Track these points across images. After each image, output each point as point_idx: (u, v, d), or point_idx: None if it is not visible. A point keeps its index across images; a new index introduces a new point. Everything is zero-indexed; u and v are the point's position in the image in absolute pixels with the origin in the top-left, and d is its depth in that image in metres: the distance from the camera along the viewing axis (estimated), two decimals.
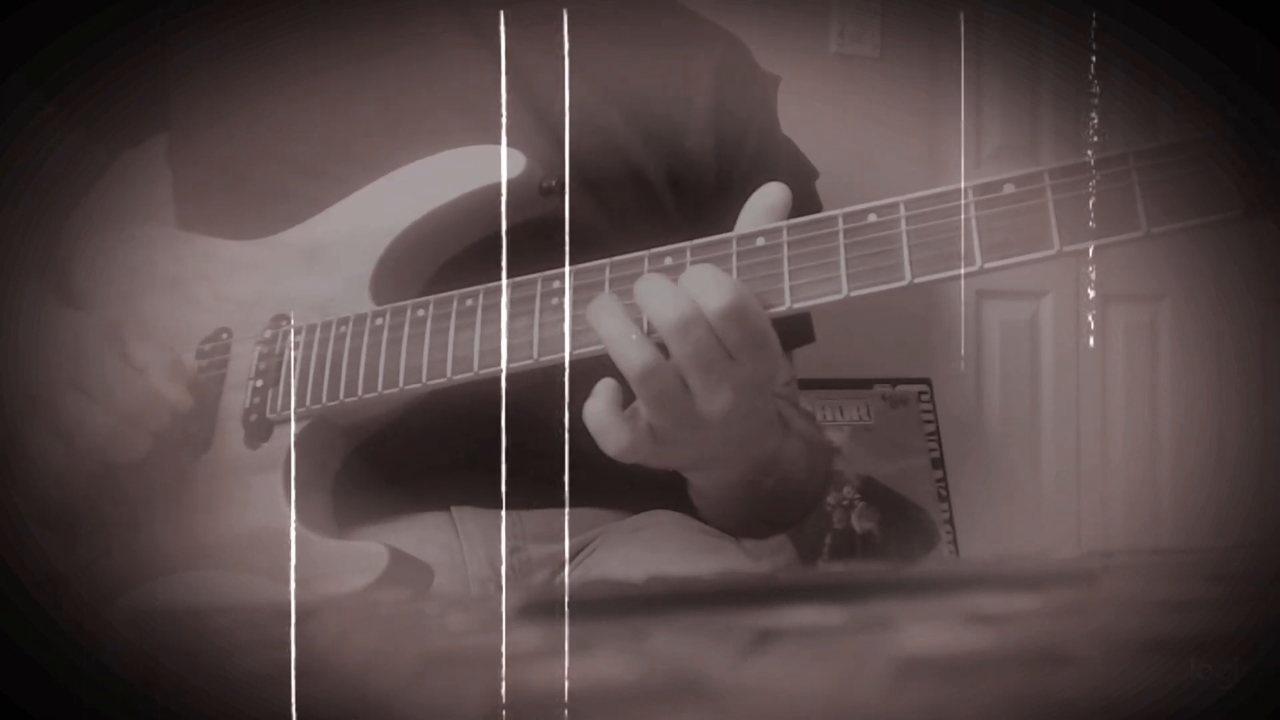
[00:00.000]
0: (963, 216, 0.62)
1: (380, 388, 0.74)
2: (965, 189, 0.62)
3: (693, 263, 0.66)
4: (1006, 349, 2.12)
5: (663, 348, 0.64)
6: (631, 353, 0.63)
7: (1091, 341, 2.17)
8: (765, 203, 0.67)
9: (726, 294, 0.62)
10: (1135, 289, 2.21)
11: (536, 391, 0.68)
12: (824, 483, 0.90)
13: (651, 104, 0.89)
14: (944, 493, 1.90)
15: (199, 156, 0.88)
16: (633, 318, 0.64)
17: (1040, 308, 2.15)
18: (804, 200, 0.71)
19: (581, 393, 0.66)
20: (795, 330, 0.93)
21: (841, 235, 0.64)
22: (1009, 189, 0.61)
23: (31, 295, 0.81)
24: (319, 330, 0.77)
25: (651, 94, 0.89)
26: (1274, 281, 2.10)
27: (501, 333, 0.70)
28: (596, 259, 0.69)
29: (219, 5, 0.87)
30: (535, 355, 0.68)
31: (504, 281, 0.71)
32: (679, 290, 0.63)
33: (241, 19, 0.87)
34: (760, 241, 0.66)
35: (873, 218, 0.64)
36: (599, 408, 0.65)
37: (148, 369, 0.75)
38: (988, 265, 0.61)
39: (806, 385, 1.84)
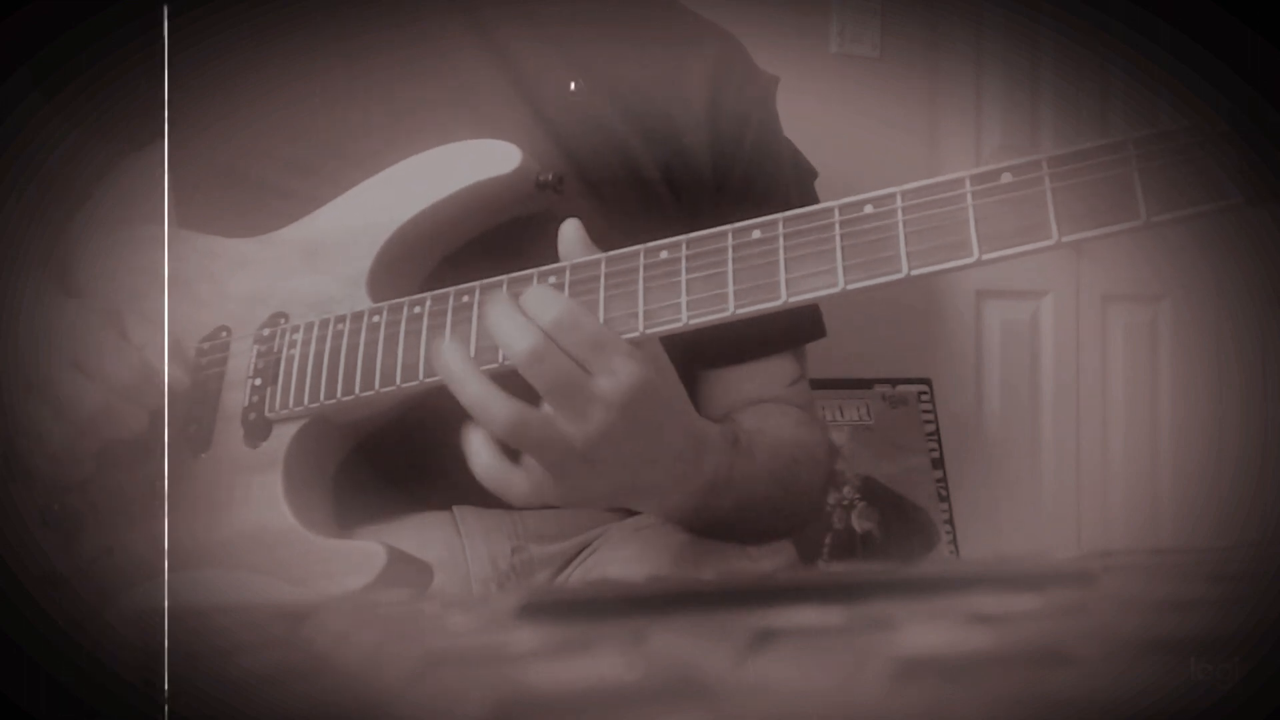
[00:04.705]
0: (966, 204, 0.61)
1: (378, 385, 0.74)
2: (963, 178, 0.61)
3: (684, 257, 0.66)
4: (1006, 349, 2.12)
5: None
6: (496, 412, 0.64)
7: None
8: (563, 237, 0.69)
9: (554, 307, 0.63)
10: (1135, 289, 2.21)
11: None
12: (816, 495, 0.89)
13: (649, 102, 0.89)
14: (944, 493, 1.89)
15: (198, 155, 0.88)
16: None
17: (1040, 308, 2.15)
18: (804, 200, 0.70)
19: None
20: (805, 325, 0.93)
21: (838, 227, 0.63)
22: (1007, 178, 0.61)
23: (33, 288, 0.81)
24: (316, 328, 0.77)
25: (649, 92, 0.89)
26: (1274, 281, 2.10)
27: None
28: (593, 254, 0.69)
29: (219, 5, 0.87)
30: None
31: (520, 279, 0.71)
32: (525, 321, 0.63)
33: (241, 18, 0.87)
34: (756, 234, 0.65)
35: (869, 209, 0.63)
36: (488, 463, 0.66)
37: (145, 347, 0.76)
38: (985, 256, 0.60)
39: None
